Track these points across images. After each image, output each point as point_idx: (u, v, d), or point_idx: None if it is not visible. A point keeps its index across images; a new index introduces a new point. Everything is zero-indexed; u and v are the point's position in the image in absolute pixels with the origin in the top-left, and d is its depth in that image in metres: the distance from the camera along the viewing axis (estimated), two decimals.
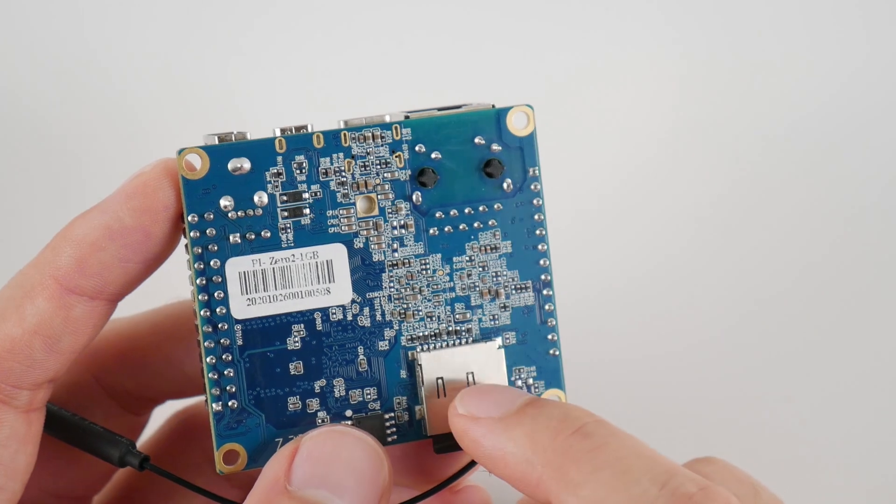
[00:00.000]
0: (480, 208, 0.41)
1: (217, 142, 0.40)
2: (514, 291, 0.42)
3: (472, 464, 0.43)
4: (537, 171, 0.42)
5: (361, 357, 0.41)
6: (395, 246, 0.41)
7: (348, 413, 0.41)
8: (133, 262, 0.39)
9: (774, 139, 0.61)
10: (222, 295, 0.39)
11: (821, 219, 0.61)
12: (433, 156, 0.41)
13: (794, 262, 0.61)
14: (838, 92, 0.61)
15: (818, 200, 0.61)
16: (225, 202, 0.39)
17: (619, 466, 0.36)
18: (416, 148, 0.41)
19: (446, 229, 0.41)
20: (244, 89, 0.59)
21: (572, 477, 0.36)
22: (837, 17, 0.61)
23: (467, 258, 0.41)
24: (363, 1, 0.59)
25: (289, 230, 0.40)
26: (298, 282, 0.40)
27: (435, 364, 0.41)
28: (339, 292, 0.40)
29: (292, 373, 0.40)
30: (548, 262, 0.42)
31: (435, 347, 0.41)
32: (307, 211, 0.40)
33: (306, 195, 0.40)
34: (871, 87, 0.62)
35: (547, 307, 0.42)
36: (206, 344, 0.39)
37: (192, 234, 0.39)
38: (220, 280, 0.39)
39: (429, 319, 0.41)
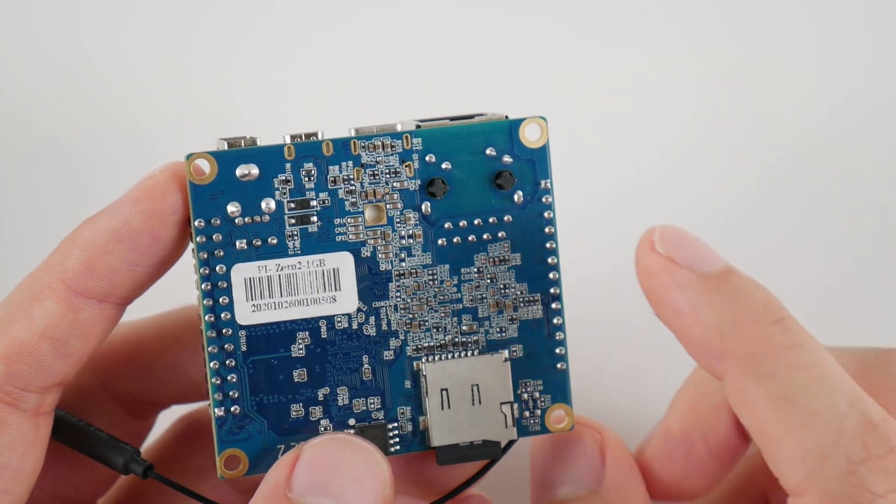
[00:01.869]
0: (490, 220, 0.41)
1: (227, 147, 0.40)
2: (522, 304, 0.41)
3: (477, 475, 0.42)
4: (549, 184, 0.41)
5: (366, 366, 0.41)
6: (402, 256, 0.41)
7: (351, 422, 0.40)
8: (141, 266, 0.39)
9: (783, 146, 0.60)
10: (227, 300, 0.39)
11: (830, 221, 0.60)
12: (443, 166, 0.41)
13: (802, 264, 0.60)
14: (853, 94, 0.60)
15: (826, 203, 0.61)
16: (232, 208, 0.39)
17: (814, 372, 0.35)
18: (427, 158, 0.41)
19: (455, 240, 0.41)
20: (249, 89, 0.59)
21: (764, 367, 0.35)
22: (851, 15, 0.61)
23: (476, 270, 0.41)
24: (371, 4, 0.59)
25: (296, 237, 0.40)
26: (304, 289, 0.40)
27: (440, 375, 0.41)
28: (345, 301, 0.40)
29: (296, 380, 0.40)
30: (557, 276, 0.42)
31: (440, 358, 0.41)
32: (315, 219, 0.40)
33: (314, 203, 0.40)
34: (886, 87, 0.61)
35: (555, 320, 0.42)
36: (209, 349, 0.39)
37: (198, 238, 0.39)
38: (225, 286, 0.39)
39: (435, 330, 0.41)
